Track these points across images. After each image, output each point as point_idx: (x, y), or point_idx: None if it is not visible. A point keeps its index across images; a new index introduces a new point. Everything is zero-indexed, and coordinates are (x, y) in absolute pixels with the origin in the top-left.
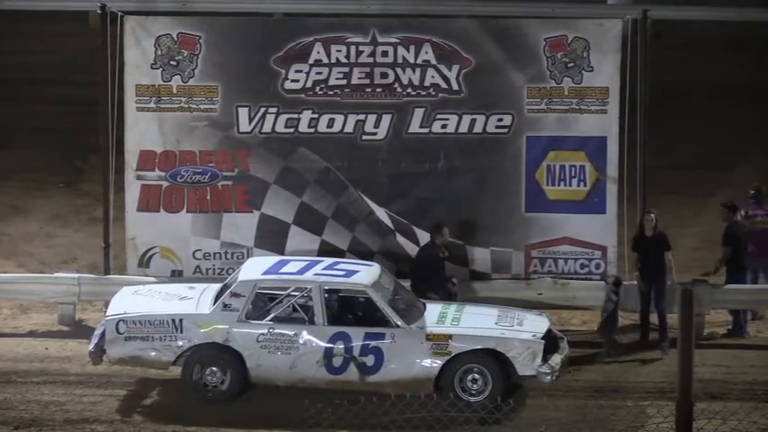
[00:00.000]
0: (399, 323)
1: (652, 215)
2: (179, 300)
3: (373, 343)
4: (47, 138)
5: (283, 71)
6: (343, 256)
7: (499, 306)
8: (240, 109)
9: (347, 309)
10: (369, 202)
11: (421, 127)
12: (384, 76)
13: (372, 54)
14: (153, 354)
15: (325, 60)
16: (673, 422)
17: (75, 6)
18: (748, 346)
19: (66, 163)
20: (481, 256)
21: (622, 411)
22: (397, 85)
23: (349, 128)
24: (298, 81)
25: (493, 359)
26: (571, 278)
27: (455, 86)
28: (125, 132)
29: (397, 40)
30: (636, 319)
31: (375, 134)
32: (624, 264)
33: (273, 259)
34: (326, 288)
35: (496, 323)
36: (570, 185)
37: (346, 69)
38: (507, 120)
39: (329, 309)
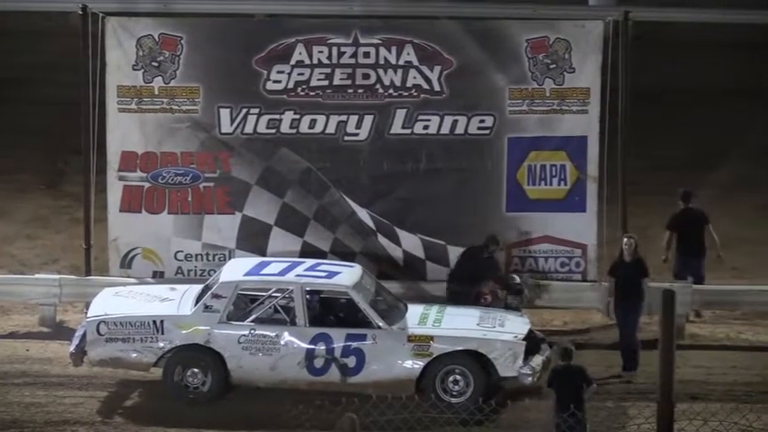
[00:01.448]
0: (381, 324)
1: (632, 240)
2: (160, 301)
3: (355, 344)
4: (29, 139)
5: (265, 72)
6: (324, 258)
7: (480, 307)
8: (222, 110)
9: (329, 310)
10: (351, 202)
11: (403, 128)
12: (366, 77)
13: (354, 55)
14: (134, 355)
15: (307, 61)
16: (654, 423)
17: (57, 7)
18: (729, 347)
19: (48, 164)
20: None
21: (603, 413)
22: (378, 85)
23: (331, 129)
24: (279, 82)
25: (474, 360)
26: (552, 279)
27: (437, 87)
28: (107, 133)
29: (379, 41)
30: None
31: (357, 135)
32: (604, 264)
33: (255, 260)
34: (308, 289)
35: (478, 324)
36: (551, 185)
37: (328, 70)
38: (489, 121)
39: (311, 310)
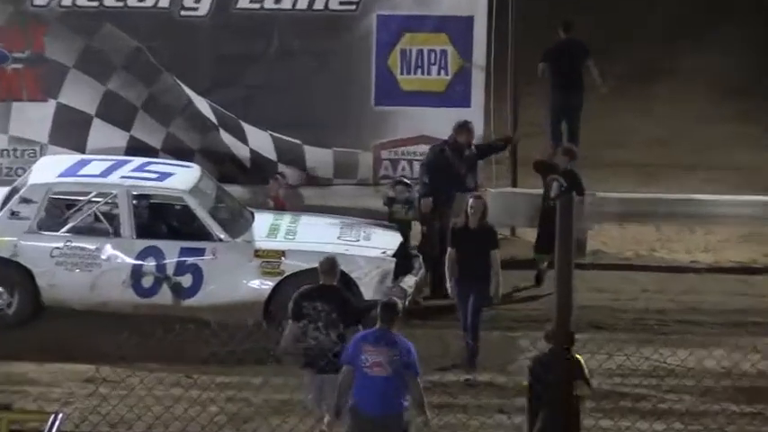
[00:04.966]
0: (222, 236)
1: (480, 201)
2: None
3: (191, 260)
4: None
5: None
6: (156, 156)
7: (342, 217)
8: None
9: (160, 219)
10: (187, 90)
11: (251, 1)
12: None
13: None
14: None
15: None
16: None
17: None
18: (641, 267)
19: None
20: (321, 158)
21: (488, 344)
22: None
23: (164, 1)
24: None
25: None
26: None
27: None
28: None
29: None
30: None
31: (196, 9)
32: (492, 170)
33: (72, 158)
34: (135, 193)
35: (339, 237)
36: (429, 74)
37: None
38: None
39: (138, 218)
